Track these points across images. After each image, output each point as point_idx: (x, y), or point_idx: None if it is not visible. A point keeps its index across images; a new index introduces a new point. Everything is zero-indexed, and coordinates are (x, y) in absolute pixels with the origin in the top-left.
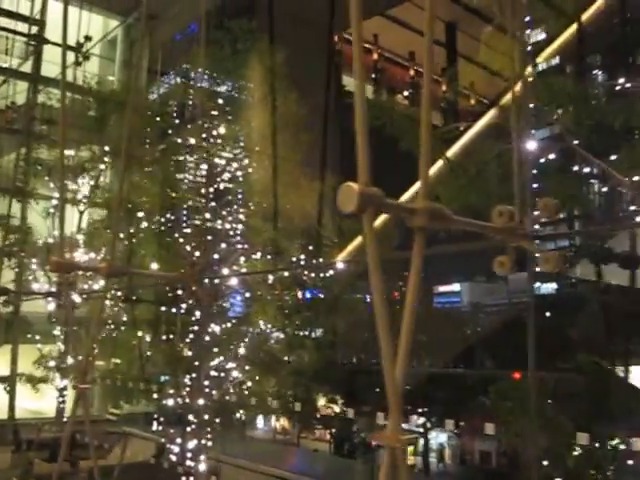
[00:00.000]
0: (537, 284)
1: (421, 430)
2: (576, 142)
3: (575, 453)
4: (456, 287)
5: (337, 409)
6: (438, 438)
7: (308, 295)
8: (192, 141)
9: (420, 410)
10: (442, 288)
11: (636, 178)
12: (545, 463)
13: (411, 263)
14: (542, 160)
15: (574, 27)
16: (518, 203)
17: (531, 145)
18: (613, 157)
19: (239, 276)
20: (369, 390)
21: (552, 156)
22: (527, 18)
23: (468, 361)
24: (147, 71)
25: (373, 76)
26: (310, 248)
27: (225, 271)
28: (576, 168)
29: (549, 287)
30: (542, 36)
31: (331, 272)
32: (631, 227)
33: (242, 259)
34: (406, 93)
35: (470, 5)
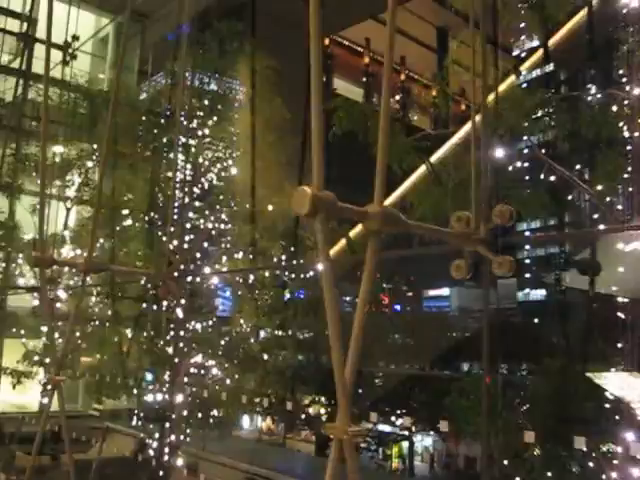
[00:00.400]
0: (527, 290)
1: (406, 433)
2: (543, 151)
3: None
4: (445, 292)
5: (320, 410)
6: (423, 441)
7: (288, 295)
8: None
9: (398, 412)
10: (432, 292)
11: (599, 187)
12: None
13: (364, 266)
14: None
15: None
16: (474, 210)
17: (499, 153)
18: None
19: (219, 274)
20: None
21: (519, 165)
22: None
23: (453, 364)
24: (138, 70)
25: (364, 79)
26: (291, 249)
27: (207, 270)
28: (542, 177)
29: (538, 293)
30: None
31: (311, 273)
32: (596, 234)
33: (224, 258)
34: (397, 97)
35: (462, 11)
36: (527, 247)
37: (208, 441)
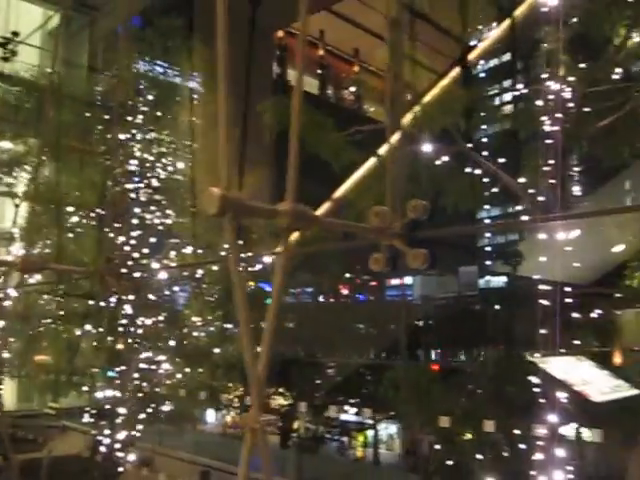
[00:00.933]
0: (488, 277)
1: (371, 422)
2: (469, 145)
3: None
4: (408, 280)
5: (279, 402)
6: (388, 429)
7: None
8: (121, 137)
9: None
10: (394, 281)
11: (522, 180)
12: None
13: (276, 263)
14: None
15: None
16: (389, 205)
17: (426, 147)
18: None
19: (165, 269)
20: (302, 382)
21: (445, 158)
22: None
23: (413, 353)
24: (87, 64)
25: (319, 71)
26: (240, 242)
27: (155, 265)
28: (468, 170)
29: (499, 281)
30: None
31: (259, 266)
32: (521, 226)
33: (173, 253)
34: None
35: (414, 4)
36: (488, 235)
37: (166, 436)
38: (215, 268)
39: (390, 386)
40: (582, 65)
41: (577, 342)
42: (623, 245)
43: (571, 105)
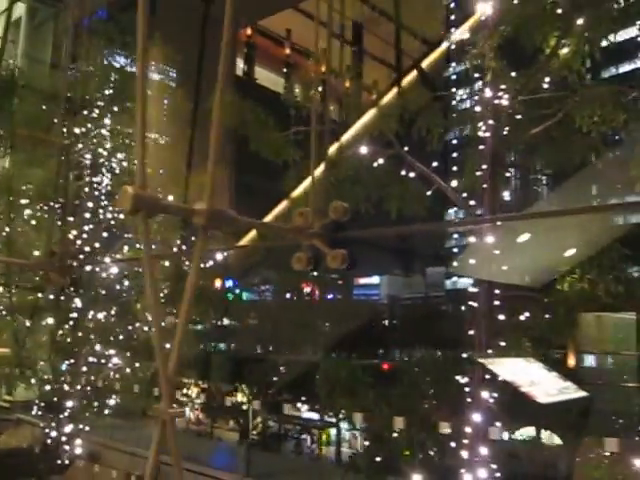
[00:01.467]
0: (455, 278)
1: (334, 420)
2: (406, 149)
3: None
4: (375, 280)
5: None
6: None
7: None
8: (77, 130)
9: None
10: (362, 280)
11: (454, 184)
12: None
13: (192, 260)
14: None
15: None
16: (311, 206)
17: (363, 150)
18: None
19: (116, 263)
20: (260, 379)
21: (381, 161)
22: None
23: (367, 350)
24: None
25: (285, 70)
26: (192, 238)
27: (101, 259)
28: (403, 173)
29: (464, 282)
30: None
31: (210, 262)
32: (453, 226)
33: (126, 248)
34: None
35: (377, 5)
36: (455, 236)
37: (117, 430)
38: (167, 264)
39: (320, 383)
40: (514, 74)
41: (503, 343)
42: (574, 249)
43: (506, 112)
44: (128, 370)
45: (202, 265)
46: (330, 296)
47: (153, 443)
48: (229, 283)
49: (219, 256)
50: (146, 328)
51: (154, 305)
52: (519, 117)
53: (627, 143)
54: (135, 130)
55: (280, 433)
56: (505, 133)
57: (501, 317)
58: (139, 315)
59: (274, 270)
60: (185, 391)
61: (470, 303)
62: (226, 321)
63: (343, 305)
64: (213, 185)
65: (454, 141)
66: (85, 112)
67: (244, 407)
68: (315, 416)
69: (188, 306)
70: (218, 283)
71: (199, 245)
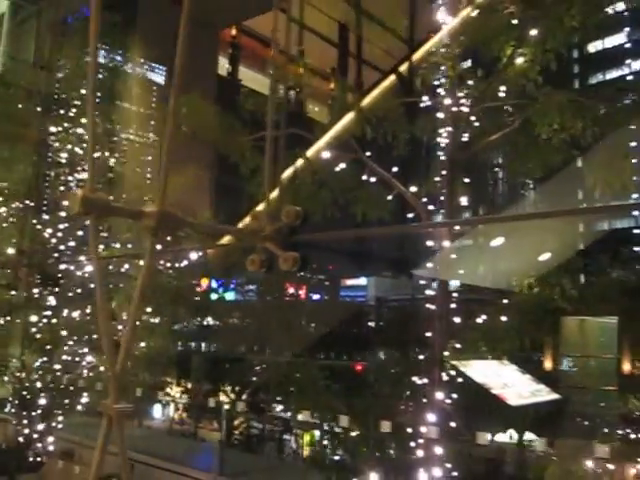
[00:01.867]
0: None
1: (317, 421)
2: (368, 154)
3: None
4: (363, 281)
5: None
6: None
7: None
8: (53, 129)
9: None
10: (349, 282)
11: (414, 189)
12: None
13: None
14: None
15: None
16: (265, 209)
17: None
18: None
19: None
20: (230, 378)
21: (343, 166)
22: None
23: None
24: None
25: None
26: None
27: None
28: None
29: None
30: None
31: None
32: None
33: (101, 247)
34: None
35: (363, 7)
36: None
37: (91, 428)
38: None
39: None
40: (471, 82)
41: (459, 345)
42: (548, 253)
43: (465, 119)
44: (102, 368)
45: (178, 265)
46: (316, 297)
47: (99, 438)
48: (210, 283)
49: (195, 256)
50: (120, 327)
51: (101, 308)
52: (477, 124)
53: (587, 151)
54: (89, 134)
55: (263, 434)
56: (465, 140)
57: (457, 319)
58: (113, 313)
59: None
60: (168, 391)
61: (428, 306)
62: (210, 321)
63: (319, 306)
64: (165, 188)
65: (418, 147)
66: (62, 111)
67: (220, 407)
68: (301, 417)
69: (137, 307)
70: (203, 283)
71: (149, 247)
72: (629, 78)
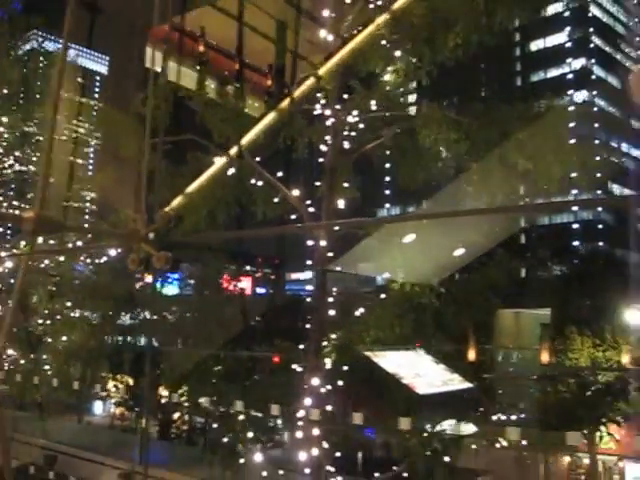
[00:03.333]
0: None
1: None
2: (257, 159)
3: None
4: (308, 275)
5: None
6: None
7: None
8: None
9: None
10: (294, 276)
11: (296, 192)
12: None
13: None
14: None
15: None
16: (141, 211)
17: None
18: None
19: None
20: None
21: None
22: None
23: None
24: None
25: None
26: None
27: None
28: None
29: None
30: None
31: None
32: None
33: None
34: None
35: (301, 5)
36: None
37: (25, 423)
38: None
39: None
40: (346, 96)
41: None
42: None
43: (343, 129)
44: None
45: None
46: (263, 291)
47: None
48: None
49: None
50: (40, 320)
51: None
52: (354, 134)
53: (461, 162)
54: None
55: (194, 426)
56: (344, 147)
57: (333, 313)
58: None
59: (195, 265)
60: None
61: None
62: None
63: (245, 300)
64: (44, 192)
65: (304, 154)
66: None
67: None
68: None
69: (16, 308)
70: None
71: (28, 249)
72: None
